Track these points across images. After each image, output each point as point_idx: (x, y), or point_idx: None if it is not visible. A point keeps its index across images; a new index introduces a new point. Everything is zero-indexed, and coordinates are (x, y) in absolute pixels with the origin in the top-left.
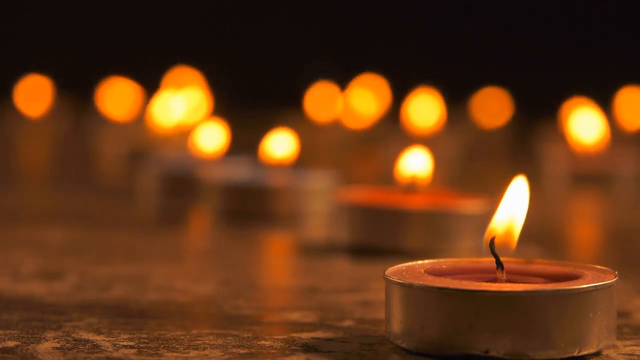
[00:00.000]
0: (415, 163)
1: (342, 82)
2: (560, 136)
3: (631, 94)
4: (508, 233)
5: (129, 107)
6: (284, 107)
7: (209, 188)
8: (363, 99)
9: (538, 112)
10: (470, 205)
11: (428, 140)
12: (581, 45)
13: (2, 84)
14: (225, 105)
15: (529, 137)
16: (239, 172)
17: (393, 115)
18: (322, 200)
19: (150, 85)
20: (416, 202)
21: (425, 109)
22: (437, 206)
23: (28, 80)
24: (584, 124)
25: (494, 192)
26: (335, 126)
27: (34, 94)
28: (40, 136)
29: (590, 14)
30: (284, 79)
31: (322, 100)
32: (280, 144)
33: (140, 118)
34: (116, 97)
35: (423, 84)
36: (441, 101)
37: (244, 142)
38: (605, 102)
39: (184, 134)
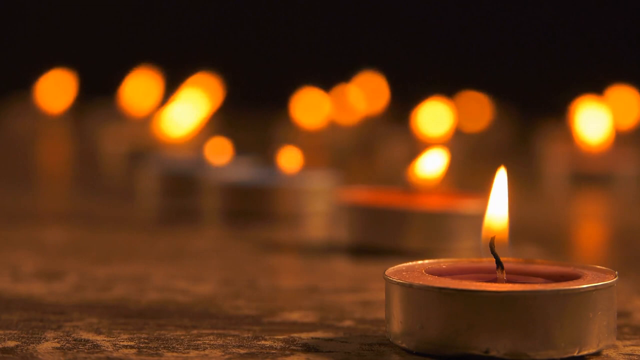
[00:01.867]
0: (432, 164)
1: (340, 82)
2: (560, 135)
3: (620, 92)
4: (498, 229)
5: (147, 102)
6: (283, 108)
7: (209, 188)
8: (359, 98)
9: (537, 111)
10: (470, 205)
11: (428, 142)
12: (579, 43)
13: (22, 80)
14: (227, 105)
15: (529, 137)
16: (240, 172)
17: (393, 115)
18: (322, 201)
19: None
20: (416, 202)
21: (436, 118)
22: (437, 206)
23: (50, 76)
24: (585, 123)
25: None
26: (327, 130)
27: (56, 91)
28: (53, 135)
29: (582, 12)
30: (284, 80)
31: (309, 106)
32: (292, 157)
33: (151, 117)
34: (137, 90)
35: (432, 93)
36: (450, 107)
37: (244, 143)
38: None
39: (188, 137)
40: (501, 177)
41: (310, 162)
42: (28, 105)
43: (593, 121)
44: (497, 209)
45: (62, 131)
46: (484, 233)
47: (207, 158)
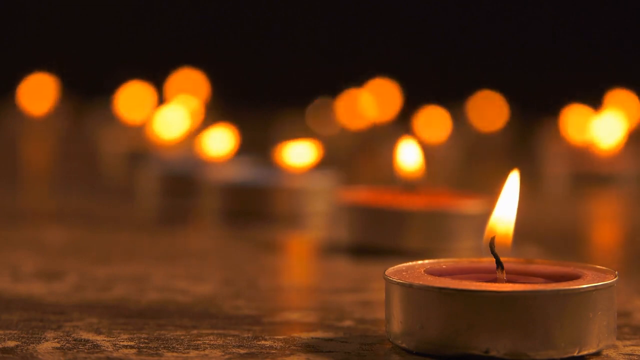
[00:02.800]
0: (409, 156)
1: (347, 86)
2: (560, 136)
3: (620, 96)
4: (502, 231)
5: (142, 111)
6: (285, 109)
7: (209, 188)
8: (368, 103)
9: (537, 112)
10: (470, 205)
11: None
12: (579, 45)
13: (6, 82)
14: (226, 105)
15: (529, 137)
16: (240, 172)
17: (400, 117)
18: (322, 200)
19: (155, 85)
20: (416, 202)
21: (434, 124)
22: (437, 206)
23: (32, 79)
24: (585, 124)
25: (494, 192)
26: (338, 135)
27: (38, 93)
28: (43, 135)
29: (586, 15)
30: (289, 82)
31: (323, 116)
32: (301, 152)
33: (148, 121)
34: (131, 99)
35: (432, 99)
36: (446, 115)
37: (245, 142)
38: (595, 103)
39: (184, 138)
40: (513, 180)
41: (319, 163)
42: (16, 108)
43: (602, 129)
44: (506, 211)
45: (57, 132)
46: (487, 233)
47: (203, 152)
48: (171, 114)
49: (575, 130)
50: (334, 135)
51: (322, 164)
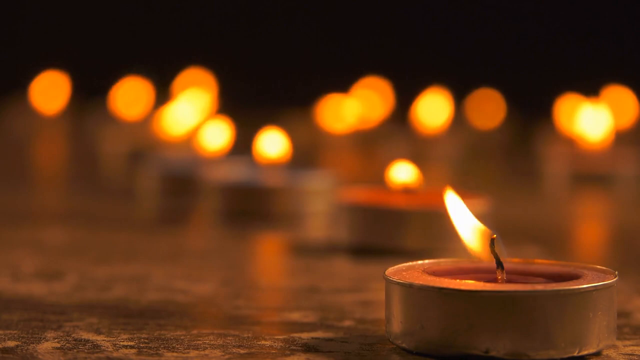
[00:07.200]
0: (403, 174)
1: (347, 84)
2: (559, 136)
3: (617, 92)
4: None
5: (139, 107)
6: (289, 108)
7: (209, 188)
8: (367, 101)
9: (536, 111)
10: (470, 205)
11: (429, 141)
12: (576, 42)
13: (18, 81)
14: (230, 104)
15: (529, 137)
16: (239, 172)
17: (397, 116)
18: (322, 200)
19: (160, 85)
20: (416, 202)
21: (434, 107)
22: (437, 206)
23: (44, 77)
24: (584, 123)
25: (494, 192)
26: (345, 134)
27: (50, 92)
28: (51, 135)
29: (584, 12)
30: (290, 80)
31: (332, 111)
32: (272, 143)
33: (148, 119)
34: (128, 96)
35: (430, 85)
36: (449, 99)
37: (247, 142)
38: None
39: (188, 136)
40: (452, 198)
41: (315, 161)
42: (25, 106)
43: (591, 121)
44: (467, 221)
45: (60, 131)
46: (473, 237)
47: (201, 149)
48: (179, 111)
49: (567, 121)
50: (334, 134)
51: (322, 164)
